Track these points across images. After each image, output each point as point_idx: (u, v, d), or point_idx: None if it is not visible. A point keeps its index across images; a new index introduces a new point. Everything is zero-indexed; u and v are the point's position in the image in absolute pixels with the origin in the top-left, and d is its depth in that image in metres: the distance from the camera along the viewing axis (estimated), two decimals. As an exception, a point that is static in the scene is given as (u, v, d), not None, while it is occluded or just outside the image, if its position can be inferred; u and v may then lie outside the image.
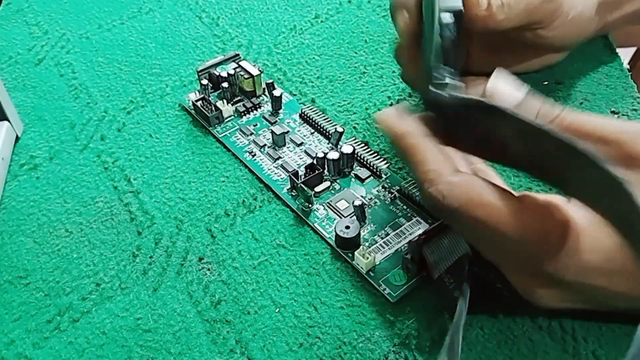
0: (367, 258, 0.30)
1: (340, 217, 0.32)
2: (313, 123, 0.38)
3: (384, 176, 0.34)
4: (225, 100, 0.39)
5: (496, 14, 0.30)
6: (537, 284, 0.25)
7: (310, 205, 0.33)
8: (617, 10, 0.37)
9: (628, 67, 0.39)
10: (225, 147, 0.37)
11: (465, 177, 0.25)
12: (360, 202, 0.31)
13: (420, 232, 0.31)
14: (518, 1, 0.31)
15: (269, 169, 0.36)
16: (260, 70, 0.40)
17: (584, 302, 0.26)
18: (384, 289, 0.29)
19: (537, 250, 0.23)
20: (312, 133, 0.38)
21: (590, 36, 0.37)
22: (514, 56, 0.37)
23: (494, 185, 0.24)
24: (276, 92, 0.39)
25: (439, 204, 0.25)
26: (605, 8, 0.36)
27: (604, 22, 0.37)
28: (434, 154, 0.25)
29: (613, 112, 0.37)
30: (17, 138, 0.39)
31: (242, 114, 0.39)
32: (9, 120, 0.38)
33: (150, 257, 0.32)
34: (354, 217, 0.32)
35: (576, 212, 0.24)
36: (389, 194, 0.34)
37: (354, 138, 0.37)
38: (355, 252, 0.30)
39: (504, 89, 0.25)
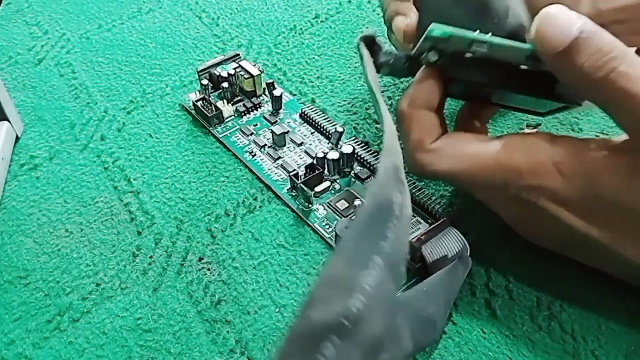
0: (367, 258, 0.29)
1: (340, 217, 0.32)
2: (313, 123, 0.38)
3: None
4: (225, 100, 0.39)
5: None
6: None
7: (310, 205, 0.33)
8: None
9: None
10: (225, 147, 0.37)
11: (443, 142, 0.27)
12: (360, 203, 0.31)
13: (419, 232, 0.31)
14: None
15: (269, 169, 0.36)
16: (260, 70, 0.40)
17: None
18: (384, 289, 0.29)
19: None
20: (312, 133, 0.38)
21: None
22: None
23: (473, 136, 0.27)
24: (276, 92, 0.39)
25: (420, 172, 0.27)
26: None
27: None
28: (419, 123, 0.27)
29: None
30: (17, 138, 0.39)
31: (243, 113, 0.39)
32: (9, 120, 0.38)
33: (150, 257, 0.32)
34: (354, 217, 0.32)
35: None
36: (389, 194, 0.33)
37: (354, 138, 0.37)
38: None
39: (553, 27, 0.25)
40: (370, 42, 0.29)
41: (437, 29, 0.25)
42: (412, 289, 0.27)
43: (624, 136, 0.24)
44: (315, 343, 0.17)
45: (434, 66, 0.27)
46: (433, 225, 0.30)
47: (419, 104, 0.27)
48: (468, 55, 0.26)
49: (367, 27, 0.27)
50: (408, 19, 0.31)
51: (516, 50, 0.25)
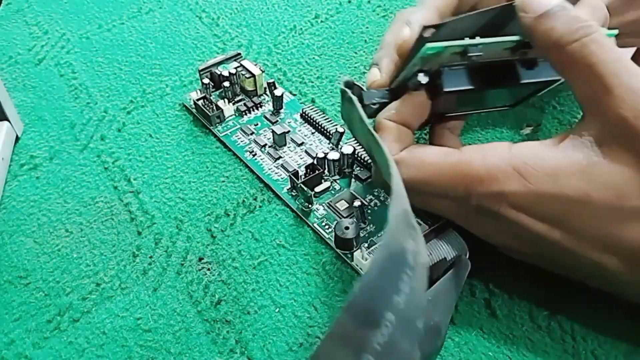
0: (367, 259, 0.30)
1: (340, 218, 0.32)
2: (314, 123, 0.38)
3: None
4: (226, 100, 0.39)
5: None
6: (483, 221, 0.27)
7: (310, 206, 0.33)
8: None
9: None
10: (225, 146, 0.37)
11: (406, 153, 0.27)
12: (360, 203, 0.31)
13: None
14: None
15: (269, 169, 0.36)
16: (261, 70, 0.40)
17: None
18: (384, 289, 0.29)
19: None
20: (312, 133, 0.38)
21: None
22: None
23: (436, 148, 0.27)
24: (277, 92, 0.39)
25: (383, 183, 0.28)
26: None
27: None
28: (390, 134, 0.28)
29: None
30: (17, 138, 0.39)
31: (243, 113, 0.39)
32: (9, 120, 0.38)
33: (150, 257, 0.32)
34: (354, 218, 0.32)
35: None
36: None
37: (354, 138, 0.37)
38: (355, 253, 0.30)
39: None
40: (351, 87, 0.30)
41: (431, 47, 0.26)
42: None
43: (576, 131, 0.25)
44: None
45: (419, 90, 0.28)
46: (432, 227, 0.30)
47: (397, 119, 0.28)
48: (458, 67, 0.27)
49: (343, 75, 0.28)
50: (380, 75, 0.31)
51: (505, 43, 0.26)
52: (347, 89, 0.29)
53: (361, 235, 0.31)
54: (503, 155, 0.25)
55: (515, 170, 0.25)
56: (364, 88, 0.30)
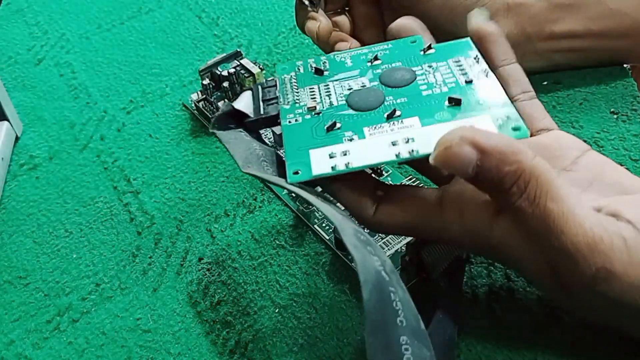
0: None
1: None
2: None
3: (384, 174, 0.34)
4: (226, 100, 0.39)
5: None
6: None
7: (310, 206, 0.33)
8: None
9: (628, 66, 0.39)
10: (226, 147, 0.37)
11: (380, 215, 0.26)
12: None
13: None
14: None
15: (268, 169, 0.36)
16: (261, 68, 0.40)
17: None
18: (384, 290, 0.29)
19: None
20: (312, 133, 0.38)
21: None
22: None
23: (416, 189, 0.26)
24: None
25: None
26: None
27: None
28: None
29: (613, 113, 0.37)
30: (17, 138, 0.39)
31: (242, 114, 0.39)
32: (8, 120, 0.38)
33: (150, 257, 0.32)
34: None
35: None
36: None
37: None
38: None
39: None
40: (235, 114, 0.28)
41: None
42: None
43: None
44: None
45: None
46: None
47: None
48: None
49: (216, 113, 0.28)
50: (318, 22, 0.34)
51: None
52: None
53: (361, 235, 0.31)
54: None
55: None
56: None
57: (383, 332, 0.19)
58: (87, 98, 0.42)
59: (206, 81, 0.40)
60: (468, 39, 0.28)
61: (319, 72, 0.29)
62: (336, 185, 0.25)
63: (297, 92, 0.28)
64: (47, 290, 0.31)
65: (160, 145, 0.38)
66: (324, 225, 0.32)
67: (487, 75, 0.26)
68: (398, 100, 0.26)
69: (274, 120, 0.28)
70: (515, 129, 0.23)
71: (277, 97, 0.28)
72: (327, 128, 0.25)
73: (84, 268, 0.32)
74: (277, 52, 0.45)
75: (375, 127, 0.25)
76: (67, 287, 0.31)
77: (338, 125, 0.25)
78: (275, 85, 0.29)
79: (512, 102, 0.26)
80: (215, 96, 0.40)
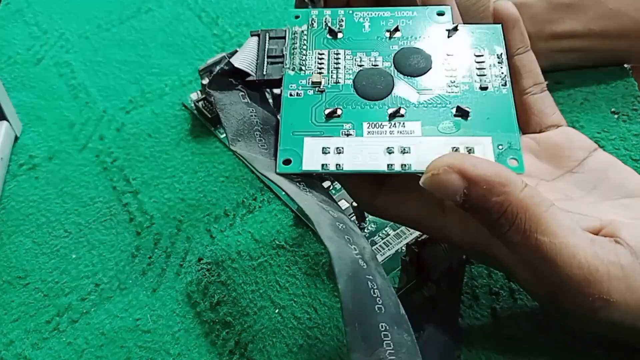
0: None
1: (340, 218, 0.32)
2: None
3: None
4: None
5: None
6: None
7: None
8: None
9: (628, 66, 0.39)
10: (226, 146, 0.37)
11: None
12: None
13: (418, 234, 0.31)
14: None
15: (268, 169, 0.36)
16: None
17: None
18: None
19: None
20: (311, 133, 0.38)
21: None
22: None
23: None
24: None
25: None
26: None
27: None
28: None
29: (613, 112, 0.37)
30: (16, 138, 0.39)
31: (242, 113, 0.39)
32: (8, 120, 0.38)
33: (149, 257, 0.32)
34: (354, 218, 0.32)
35: None
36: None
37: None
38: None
39: None
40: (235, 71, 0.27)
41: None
42: None
43: None
44: None
45: None
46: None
47: None
48: None
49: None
50: None
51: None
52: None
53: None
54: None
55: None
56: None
57: (361, 321, 0.19)
58: (87, 98, 0.42)
59: (206, 81, 0.39)
60: (500, 26, 0.27)
61: (332, 33, 0.27)
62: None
63: (305, 56, 0.27)
64: (46, 291, 0.31)
65: (159, 145, 0.38)
66: (323, 225, 0.32)
67: (505, 84, 0.25)
68: (405, 94, 0.25)
69: (276, 83, 0.26)
70: (513, 159, 0.23)
71: (283, 56, 0.27)
72: (328, 114, 0.25)
73: (84, 268, 0.32)
74: (277, 51, 0.45)
75: (375, 125, 0.24)
76: (66, 288, 0.31)
77: (339, 112, 0.25)
78: (284, 38, 0.27)
79: (523, 96, 0.26)
80: (215, 96, 0.40)
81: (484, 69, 0.26)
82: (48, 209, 0.35)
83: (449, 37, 0.27)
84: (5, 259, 0.32)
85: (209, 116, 0.38)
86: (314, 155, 0.24)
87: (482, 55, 0.26)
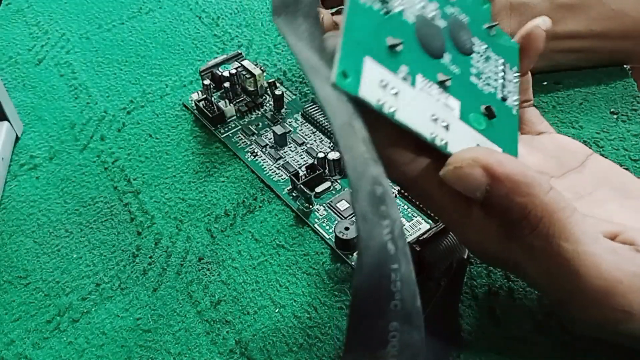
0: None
1: (341, 218, 0.32)
2: (315, 122, 0.38)
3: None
4: (227, 100, 0.39)
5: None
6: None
7: (310, 206, 0.33)
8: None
9: (628, 66, 0.39)
10: (227, 147, 0.37)
11: None
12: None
13: (420, 232, 0.31)
14: None
15: (270, 169, 0.36)
16: (262, 70, 0.40)
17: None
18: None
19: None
20: (313, 132, 0.38)
21: None
22: None
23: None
24: (278, 92, 0.39)
25: None
26: None
27: None
28: None
29: (613, 113, 0.37)
30: (17, 138, 0.39)
31: (244, 113, 0.39)
32: (8, 120, 0.38)
33: (150, 257, 0.32)
34: (354, 218, 0.32)
35: None
36: (389, 194, 0.33)
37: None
38: (355, 254, 0.30)
39: None
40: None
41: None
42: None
43: None
44: None
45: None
46: (434, 226, 0.30)
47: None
48: None
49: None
50: (321, 15, 0.33)
51: None
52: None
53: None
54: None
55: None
56: None
57: (368, 323, 0.18)
58: (88, 98, 0.42)
59: (207, 81, 0.40)
60: (518, 45, 0.26)
61: None
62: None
63: None
64: (47, 290, 0.31)
65: (160, 145, 0.38)
66: (324, 225, 0.32)
67: (516, 105, 0.24)
68: (452, 67, 0.23)
69: None
70: None
71: None
72: (390, 46, 0.21)
73: (84, 268, 0.32)
74: (277, 52, 0.45)
75: (427, 83, 0.22)
76: (67, 287, 0.31)
77: (400, 47, 0.21)
78: None
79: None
80: (215, 96, 0.40)
81: (506, 79, 0.25)
82: (49, 209, 0.35)
83: (488, 32, 0.25)
84: (6, 259, 0.32)
85: (210, 116, 0.38)
86: (373, 83, 0.20)
87: (505, 67, 0.25)
